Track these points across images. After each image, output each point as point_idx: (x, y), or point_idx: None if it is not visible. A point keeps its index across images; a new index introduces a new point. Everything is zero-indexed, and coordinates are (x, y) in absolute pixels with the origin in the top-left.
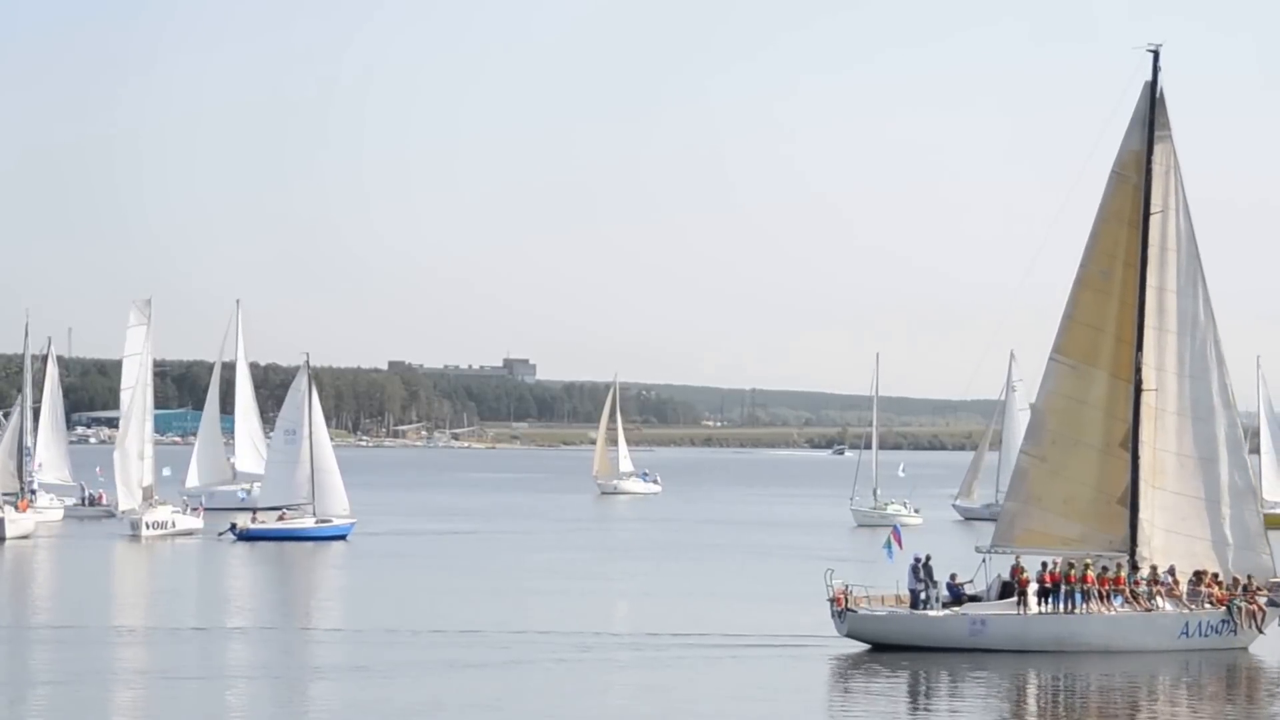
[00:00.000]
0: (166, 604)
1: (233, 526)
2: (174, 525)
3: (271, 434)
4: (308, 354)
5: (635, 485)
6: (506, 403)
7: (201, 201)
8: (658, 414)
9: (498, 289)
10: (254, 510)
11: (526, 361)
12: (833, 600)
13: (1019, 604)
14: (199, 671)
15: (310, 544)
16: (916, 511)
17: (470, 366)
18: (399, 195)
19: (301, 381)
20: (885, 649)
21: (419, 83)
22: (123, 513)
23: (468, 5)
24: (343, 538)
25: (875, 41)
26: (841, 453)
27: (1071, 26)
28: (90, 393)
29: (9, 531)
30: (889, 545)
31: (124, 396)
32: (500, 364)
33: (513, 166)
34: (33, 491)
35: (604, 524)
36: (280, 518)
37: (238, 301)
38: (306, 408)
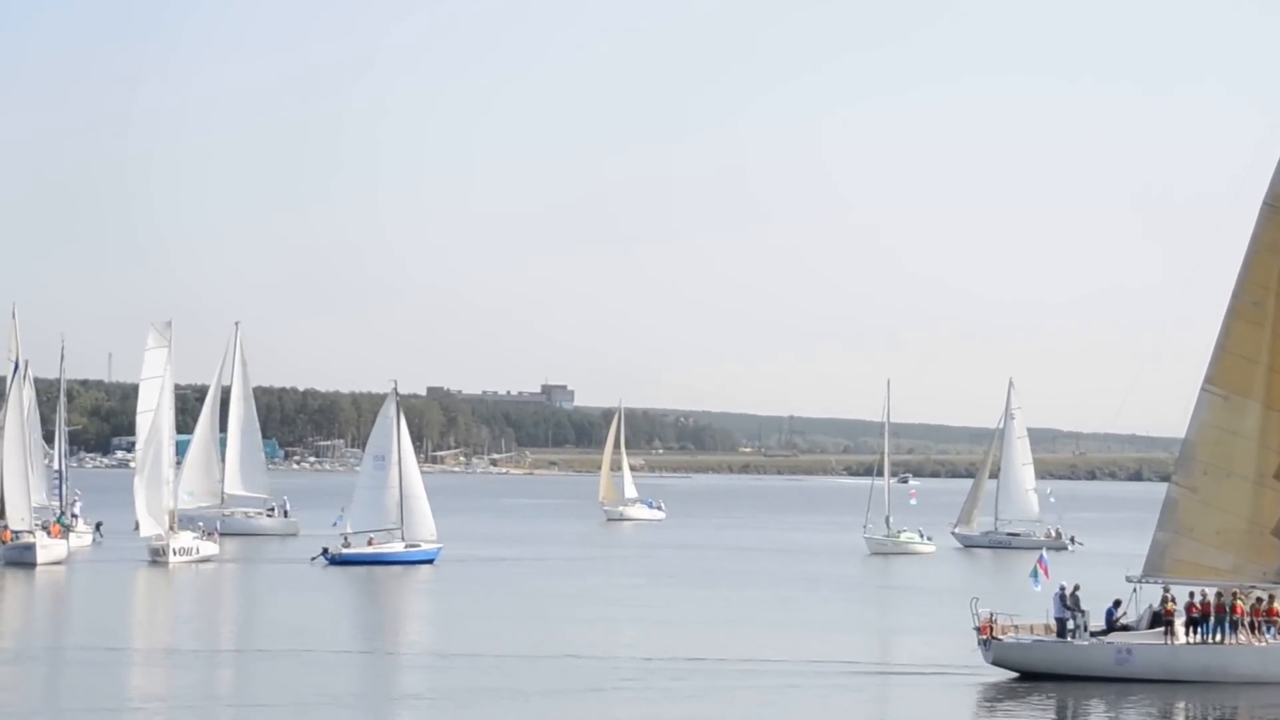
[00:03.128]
0: (258, 627)
1: (324, 551)
2: (197, 551)
3: (274, 457)
4: (395, 381)
5: (640, 512)
6: (545, 428)
7: (218, 224)
8: (695, 441)
9: (535, 316)
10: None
11: (564, 388)
12: (979, 628)
13: (1166, 634)
14: (309, 696)
15: (398, 568)
16: (929, 539)
17: (509, 393)
18: (422, 218)
19: (390, 408)
20: (1031, 677)
21: (437, 103)
22: (145, 539)
23: (488, 26)
24: (430, 562)
25: (908, 73)
26: (905, 481)
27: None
28: (130, 416)
29: (40, 557)
30: (1035, 573)
31: (141, 420)
32: (538, 390)
33: (542, 189)
34: (74, 516)
35: (625, 550)
36: (369, 542)
37: (236, 324)
38: (395, 434)
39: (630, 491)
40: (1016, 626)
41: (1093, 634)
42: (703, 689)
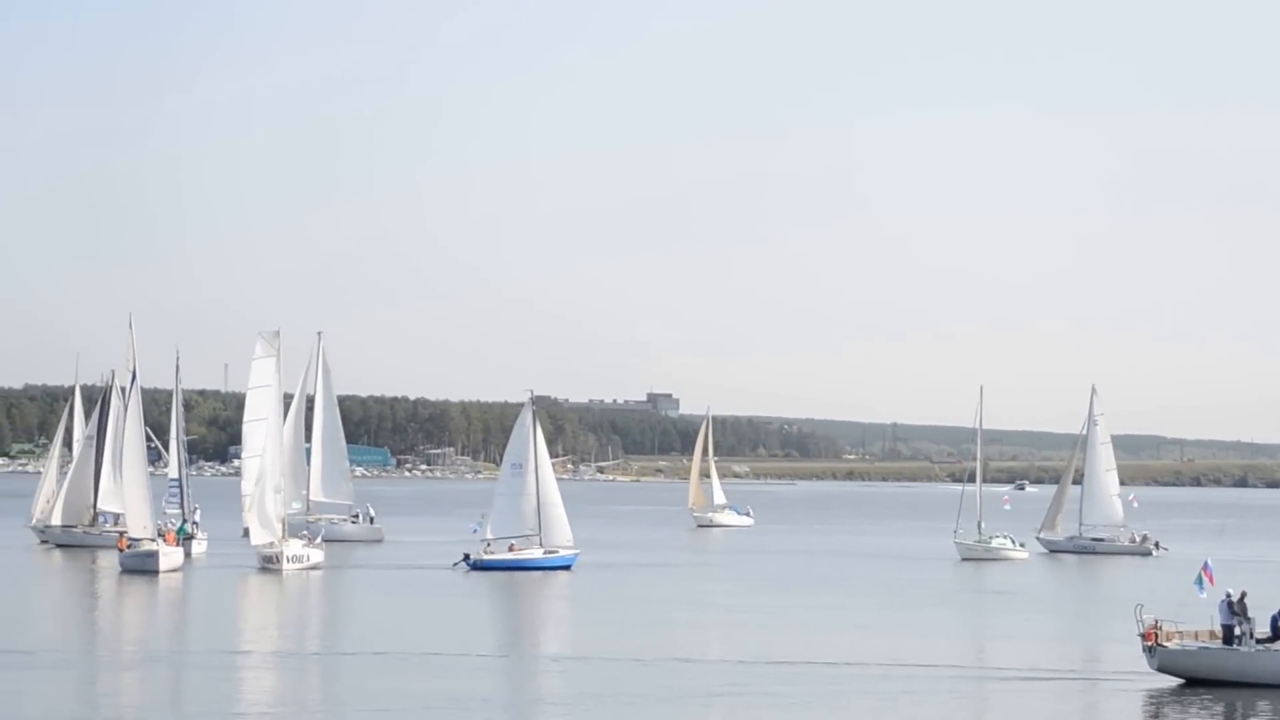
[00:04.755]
0: (398, 633)
1: (466, 557)
2: (308, 559)
3: (358, 467)
4: (531, 390)
5: (729, 518)
6: (651, 436)
7: (269, 227)
8: (799, 448)
9: (637, 320)
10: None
11: (670, 396)
12: (1143, 635)
13: None
14: (439, 699)
15: (538, 574)
16: (1022, 545)
17: (614, 401)
18: (496, 219)
19: (526, 417)
20: (1197, 684)
21: (508, 98)
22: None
23: (553, 19)
24: (568, 568)
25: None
26: (1022, 488)
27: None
28: None
29: (162, 565)
30: (1200, 580)
31: (248, 429)
32: (644, 399)
33: (628, 189)
34: (195, 524)
35: (719, 556)
36: (510, 548)
37: (319, 334)
38: (532, 442)
39: (719, 498)
40: (1181, 633)
41: (1259, 641)
42: (825, 694)
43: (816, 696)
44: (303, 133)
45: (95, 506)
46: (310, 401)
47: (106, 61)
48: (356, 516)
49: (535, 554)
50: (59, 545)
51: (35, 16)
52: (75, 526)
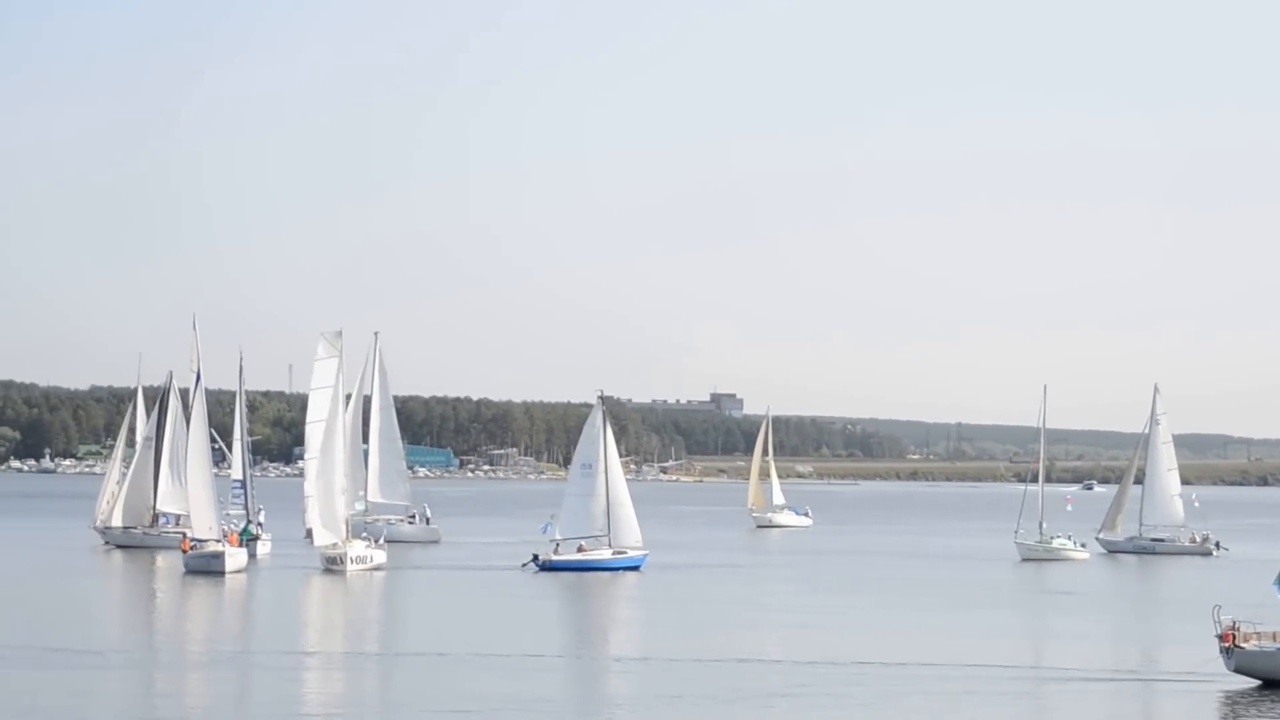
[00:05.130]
0: (469, 633)
1: (535, 558)
2: (371, 560)
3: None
4: (600, 390)
5: (788, 518)
6: (714, 437)
7: (323, 226)
8: (863, 448)
9: (703, 324)
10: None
11: (734, 396)
12: (1221, 635)
13: None
14: (505, 700)
15: (606, 574)
16: (1083, 546)
17: (678, 402)
18: (588, 230)
19: (596, 418)
20: (1275, 685)
21: (545, 93)
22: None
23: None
24: (637, 568)
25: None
26: (1090, 488)
27: None
28: None
29: (228, 565)
30: (1279, 581)
31: (311, 430)
32: (708, 399)
33: (685, 184)
34: (259, 525)
35: (780, 556)
36: (579, 549)
37: (376, 334)
38: (602, 443)
39: (778, 498)
40: (1259, 634)
41: None
42: (888, 694)
43: (879, 697)
44: (350, 127)
45: (155, 507)
46: (367, 402)
47: (145, 53)
48: (413, 517)
49: (604, 555)
50: (119, 546)
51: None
52: (135, 527)
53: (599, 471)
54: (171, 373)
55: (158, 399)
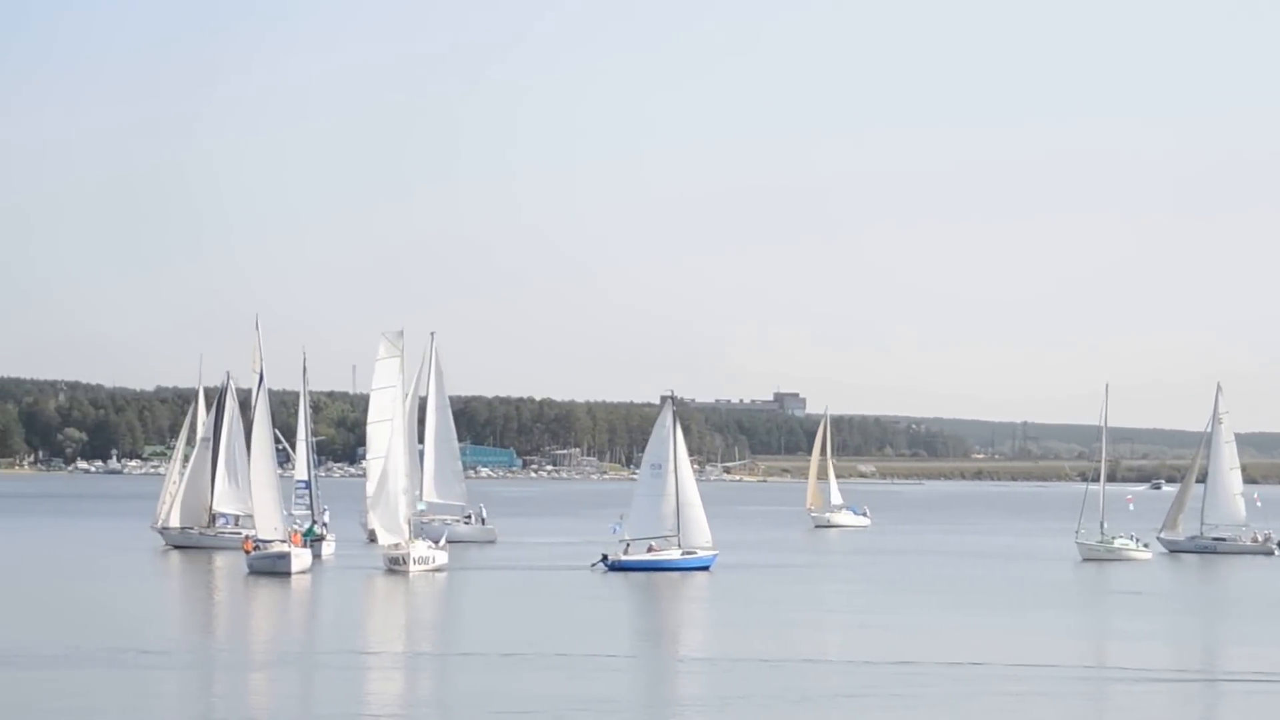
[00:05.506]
0: (538, 634)
1: (604, 558)
2: (434, 561)
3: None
4: (672, 390)
5: (846, 518)
6: (777, 436)
7: (380, 226)
8: (927, 447)
9: (767, 324)
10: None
11: (797, 395)
12: None
13: None
14: (571, 700)
15: (675, 574)
16: (1145, 546)
17: (741, 401)
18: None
19: (666, 418)
20: None
21: (601, 89)
22: (382, 549)
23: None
24: (706, 568)
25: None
26: (1158, 487)
27: None
28: None
29: (294, 566)
30: None
31: (372, 430)
32: (771, 399)
33: (751, 179)
34: (324, 525)
35: (841, 556)
36: (649, 549)
37: (432, 334)
38: (671, 443)
39: (836, 498)
40: None
41: None
42: (955, 695)
43: (947, 698)
44: (396, 125)
45: (212, 508)
46: (423, 402)
47: (186, 47)
48: (469, 517)
49: (674, 555)
50: (176, 546)
51: None
52: (193, 528)
53: (669, 472)
54: (229, 373)
55: (215, 399)
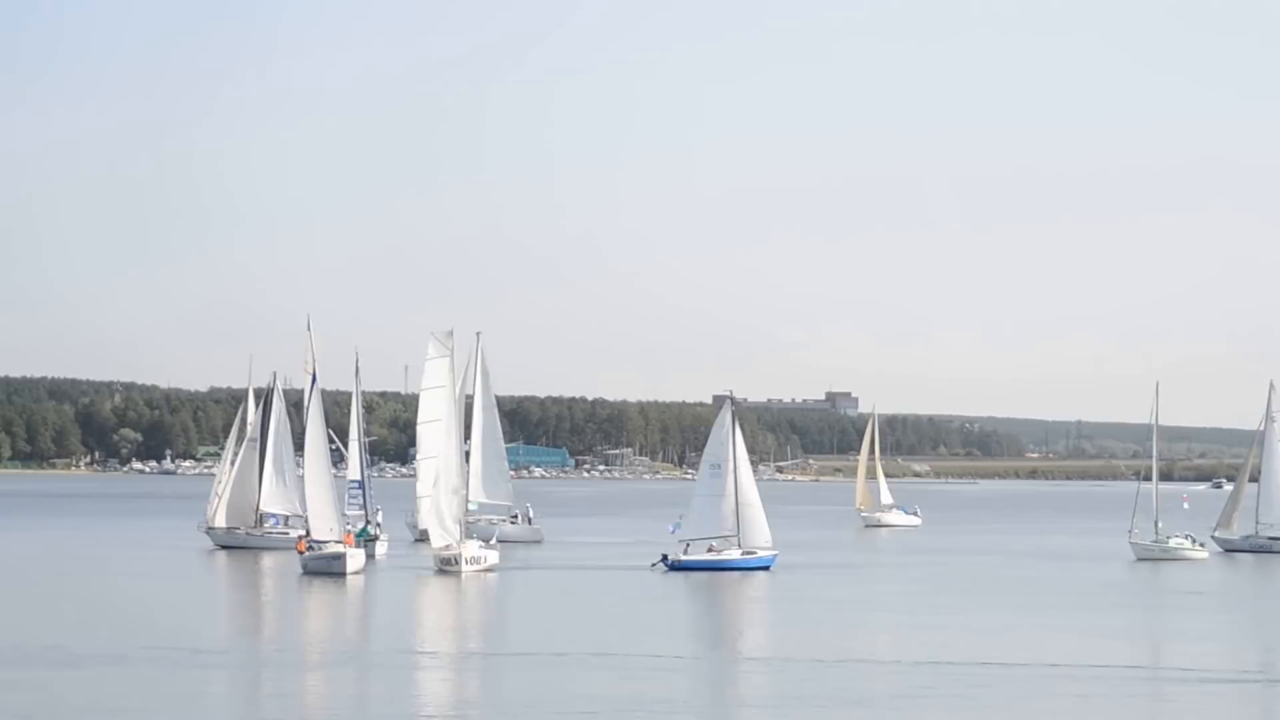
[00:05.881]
0: (599, 633)
1: (664, 557)
2: (485, 561)
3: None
4: (730, 390)
5: (897, 518)
6: (829, 436)
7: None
8: (981, 446)
9: (820, 324)
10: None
11: (849, 394)
12: None
13: None
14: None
15: (735, 574)
16: (1201, 545)
17: (793, 400)
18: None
19: (726, 417)
20: None
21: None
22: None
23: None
24: (766, 568)
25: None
26: (1220, 486)
27: None
28: None
29: (349, 566)
30: None
31: (422, 431)
32: (823, 397)
33: (795, 177)
34: (378, 525)
35: (893, 556)
36: (709, 549)
37: (478, 334)
38: (731, 443)
39: (886, 498)
40: None
41: None
42: (1018, 695)
43: (1007, 699)
44: (443, 120)
45: (259, 508)
46: (469, 401)
47: (215, 38)
48: (515, 517)
49: (734, 555)
50: (222, 547)
51: None
52: (239, 528)
53: (728, 472)
54: (275, 373)
55: (261, 399)
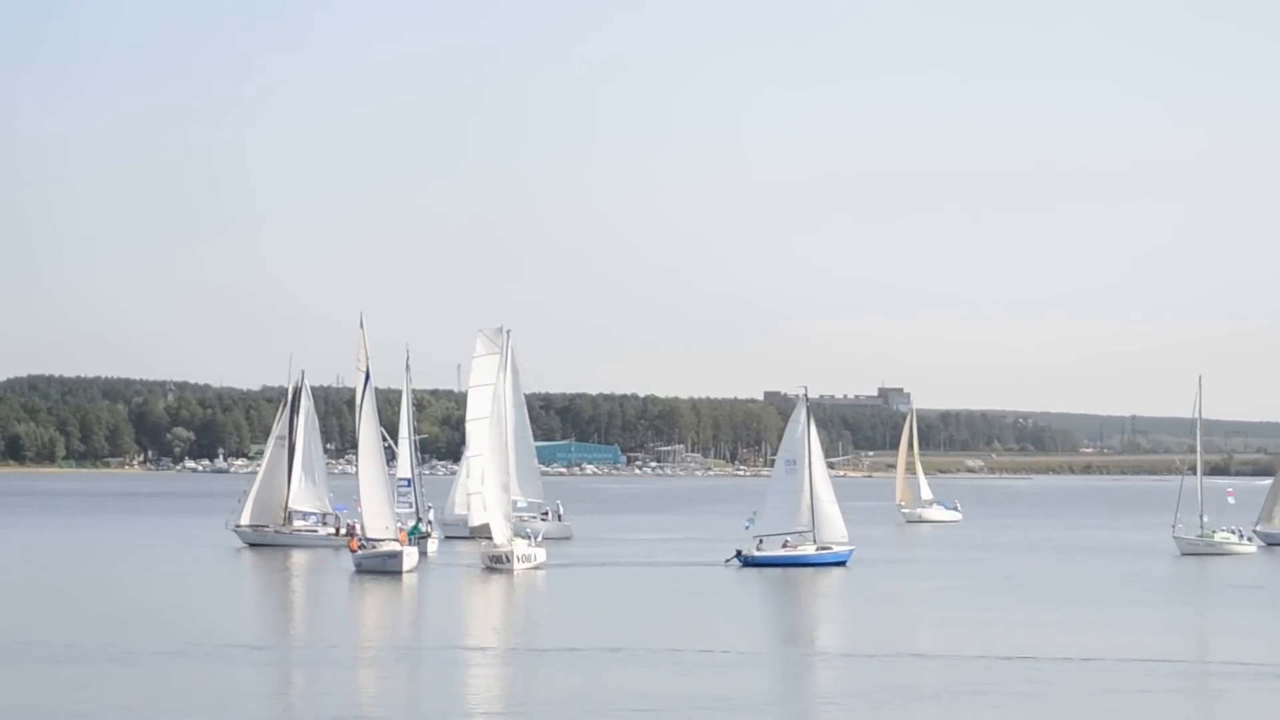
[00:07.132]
0: (669, 629)
1: (738, 553)
2: (535, 559)
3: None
4: (805, 387)
5: (938, 513)
6: (882, 432)
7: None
8: (1035, 442)
9: (872, 320)
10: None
11: (901, 390)
12: None
13: None
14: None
15: (809, 570)
16: (1249, 540)
17: (845, 396)
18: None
19: (800, 414)
20: None
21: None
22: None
23: None
24: (842, 564)
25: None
26: None
27: None
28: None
29: (405, 565)
30: None
31: (471, 428)
32: (876, 394)
33: (843, 173)
34: (430, 524)
35: (944, 551)
36: (784, 545)
37: (508, 331)
38: (806, 439)
39: (926, 493)
40: None
41: None
42: (1079, 691)
43: (1069, 694)
44: (482, 113)
45: (288, 506)
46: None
47: (254, 30)
48: (546, 514)
49: (808, 550)
50: (250, 545)
51: None
52: (266, 525)
53: (803, 468)
54: (303, 372)
55: (288, 398)
